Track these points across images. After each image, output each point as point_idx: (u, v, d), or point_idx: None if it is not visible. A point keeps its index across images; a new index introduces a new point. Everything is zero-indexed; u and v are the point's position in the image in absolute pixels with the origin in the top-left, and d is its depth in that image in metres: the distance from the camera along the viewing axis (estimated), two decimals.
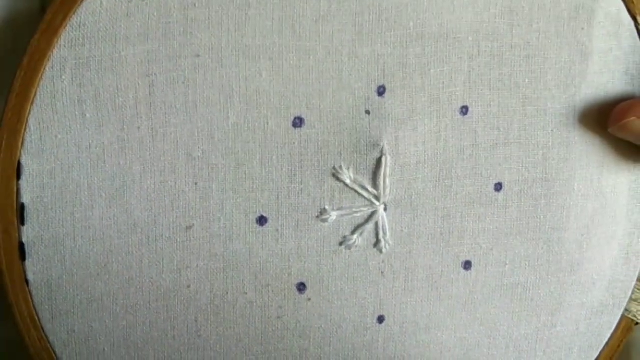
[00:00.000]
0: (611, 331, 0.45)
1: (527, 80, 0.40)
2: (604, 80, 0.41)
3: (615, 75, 0.41)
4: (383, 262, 0.40)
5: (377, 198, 0.39)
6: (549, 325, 0.43)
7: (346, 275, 0.40)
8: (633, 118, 0.39)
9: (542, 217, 0.42)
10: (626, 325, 0.45)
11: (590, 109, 0.41)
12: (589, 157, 0.41)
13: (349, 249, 0.39)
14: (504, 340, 0.43)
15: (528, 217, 0.41)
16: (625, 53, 0.41)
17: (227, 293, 0.38)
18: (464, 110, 0.39)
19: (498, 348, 0.43)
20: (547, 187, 0.41)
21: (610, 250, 0.43)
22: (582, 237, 0.42)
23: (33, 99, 0.34)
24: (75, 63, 0.34)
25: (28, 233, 0.36)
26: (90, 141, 0.35)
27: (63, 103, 0.35)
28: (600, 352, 0.45)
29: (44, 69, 0.34)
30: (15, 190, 0.35)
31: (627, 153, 0.42)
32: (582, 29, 0.40)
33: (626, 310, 0.45)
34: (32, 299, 0.36)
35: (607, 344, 0.45)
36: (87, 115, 0.35)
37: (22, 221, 0.35)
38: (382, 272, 0.40)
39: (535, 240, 0.42)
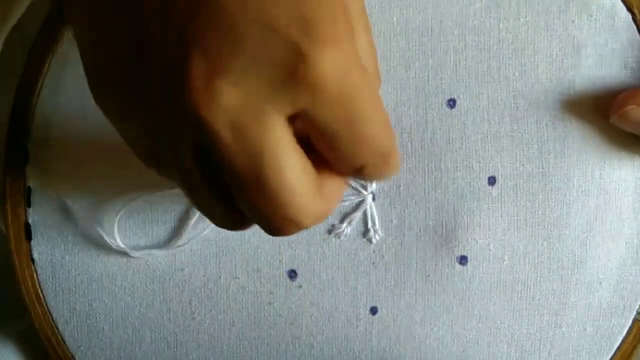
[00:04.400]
0: (622, 335, 0.43)
1: (516, 74, 0.40)
2: (600, 73, 0.40)
3: (613, 68, 0.40)
4: (374, 252, 0.41)
5: (364, 187, 0.40)
6: (553, 325, 0.42)
7: (336, 264, 0.41)
8: (633, 106, 0.38)
9: (540, 212, 0.41)
10: (639, 329, 0.43)
11: (587, 103, 0.40)
12: (588, 151, 0.41)
13: (338, 237, 0.40)
14: (504, 339, 0.42)
15: (525, 213, 0.41)
16: (623, 46, 0.40)
17: (220, 277, 0.40)
18: (451, 102, 0.40)
19: (499, 346, 0.42)
20: (544, 182, 0.41)
21: (617, 249, 0.42)
22: (585, 234, 0.41)
23: (39, 92, 0.38)
24: (77, 57, 0.38)
25: (33, 215, 0.39)
26: (91, 131, 0.38)
27: (65, 95, 0.38)
28: (611, 358, 0.43)
29: (49, 63, 0.38)
30: (22, 174, 0.38)
31: (630, 147, 0.41)
32: (573, 21, 0.40)
33: (638, 313, 0.43)
34: (37, 276, 0.39)
35: (618, 348, 0.43)
36: (88, 107, 0.38)
37: (28, 203, 0.39)
38: (373, 263, 0.41)
39: (534, 236, 0.41)
